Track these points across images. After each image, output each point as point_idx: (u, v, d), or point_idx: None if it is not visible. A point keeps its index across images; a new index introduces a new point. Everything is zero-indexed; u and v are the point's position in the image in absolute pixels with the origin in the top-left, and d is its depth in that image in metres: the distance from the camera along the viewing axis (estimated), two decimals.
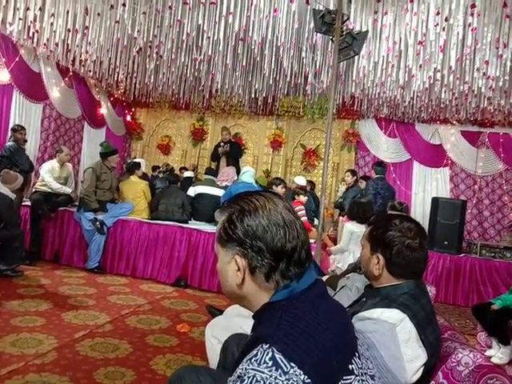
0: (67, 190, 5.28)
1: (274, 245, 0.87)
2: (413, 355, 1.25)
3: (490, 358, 3.17)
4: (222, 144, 7.27)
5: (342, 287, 2.18)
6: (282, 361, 0.73)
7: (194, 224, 5.10)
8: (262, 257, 0.87)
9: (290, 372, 0.72)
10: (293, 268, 0.88)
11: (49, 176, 5.15)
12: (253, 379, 0.72)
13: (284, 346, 0.75)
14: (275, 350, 0.74)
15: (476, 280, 5.29)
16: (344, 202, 5.91)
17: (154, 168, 7.94)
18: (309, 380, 0.73)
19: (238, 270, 0.89)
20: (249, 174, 5.43)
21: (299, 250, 0.89)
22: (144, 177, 6.24)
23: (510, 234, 5.95)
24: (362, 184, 5.95)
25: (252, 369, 0.73)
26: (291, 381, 0.72)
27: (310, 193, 6.71)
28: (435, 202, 5.83)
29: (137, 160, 5.98)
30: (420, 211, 7.20)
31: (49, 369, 2.36)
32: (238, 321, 1.99)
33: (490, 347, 3.33)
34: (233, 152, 7.19)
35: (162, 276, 4.75)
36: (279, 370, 0.72)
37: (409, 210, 5.37)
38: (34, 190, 5.30)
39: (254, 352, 0.76)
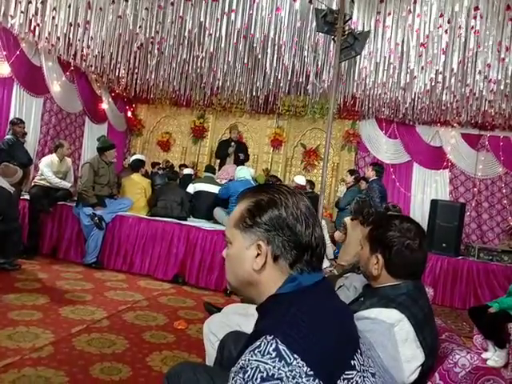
0: (66, 184, 5.26)
1: (302, 237, 0.89)
2: (410, 355, 1.25)
3: (486, 360, 3.18)
4: (232, 144, 7.27)
5: (340, 287, 2.19)
6: (285, 352, 0.73)
7: (192, 221, 5.10)
8: (291, 247, 0.89)
9: (293, 363, 0.73)
10: (315, 260, 0.91)
11: (48, 170, 5.13)
12: (256, 370, 0.72)
13: (288, 337, 0.76)
14: (279, 342, 0.74)
15: (473, 283, 5.30)
16: (340, 203, 5.94)
17: (154, 164, 7.93)
18: (311, 372, 0.73)
19: (257, 255, 0.90)
20: (245, 171, 5.41)
21: (321, 245, 0.92)
22: (145, 174, 6.23)
23: (509, 237, 5.96)
24: (363, 184, 5.93)
25: (255, 360, 0.73)
26: (294, 372, 0.72)
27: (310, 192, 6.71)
28: (434, 204, 5.83)
29: (142, 157, 5.95)
30: (419, 213, 7.21)
31: (45, 363, 2.35)
32: (236, 319, 1.99)
33: (486, 350, 3.34)
34: (244, 153, 7.26)
35: (160, 273, 4.74)
36: (282, 361, 0.72)
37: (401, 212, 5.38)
38: (33, 183, 5.28)
39: (258, 343, 0.76)
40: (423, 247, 1.39)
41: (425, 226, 5.65)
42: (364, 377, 0.84)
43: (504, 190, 7.09)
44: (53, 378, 2.21)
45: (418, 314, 1.30)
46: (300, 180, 6.51)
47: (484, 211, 7.17)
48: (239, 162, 6.91)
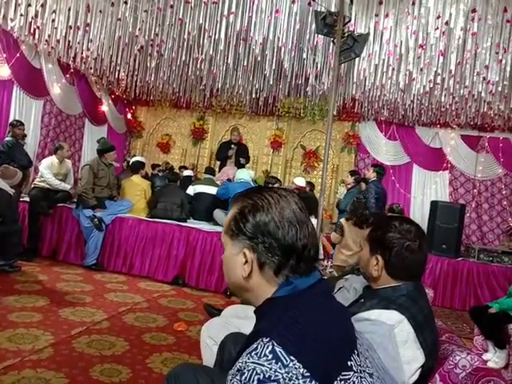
0: (66, 186, 5.27)
1: (285, 242, 0.88)
2: (410, 357, 1.25)
3: (487, 362, 3.17)
4: (232, 146, 7.26)
5: (340, 288, 2.19)
6: (281, 354, 0.74)
7: (192, 223, 5.10)
8: (273, 253, 0.88)
9: (290, 365, 0.73)
10: (303, 264, 0.90)
11: (48, 172, 5.13)
12: (253, 372, 0.72)
13: (284, 339, 0.76)
14: (275, 344, 0.75)
15: (473, 284, 5.30)
16: (340, 204, 5.94)
17: (154, 166, 7.93)
18: (308, 373, 0.74)
19: (245, 263, 0.90)
20: (245, 173, 5.42)
21: (309, 248, 0.90)
22: (145, 176, 6.22)
23: (508, 238, 5.95)
24: (363, 186, 5.93)
25: (252, 362, 0.74)
26: (291, 374, 0.73)
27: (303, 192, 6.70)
28: (434, 205, 5.84)
29: (141, 159, 5.95)
30: (419, 214, 7.21)
31: (45, 365, 2.35)
32: (235, 322, 1.99)
33: (486, 351, 3.33)
34: (245, 155, 7.23)
35: (160, 274, 4.74)
36: (279, 363, 0.73)
37: (403, 212, 5.36)
38: (32, 185, 5.28)
39: (254, 345, 0.76)
40: (423, 248, 1.39)
41: (425, 227, 5.64)
42: (361, 377, 0.84)
43: (504, 192, 7.09)
44: (53, 379, 2.21)
45: (418, 315, 1.30)
46: (300, 182, 6.51)
47: (484, 212, 7.17)
48: (240, 165, 6.90)
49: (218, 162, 7.60)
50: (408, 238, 1.36)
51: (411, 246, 1.36)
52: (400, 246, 1.36)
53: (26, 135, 5.38)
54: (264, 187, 0.98)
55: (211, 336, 1.96)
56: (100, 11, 4.87)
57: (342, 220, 4.31)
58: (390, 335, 1.24)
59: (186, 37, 5.02)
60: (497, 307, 3.32)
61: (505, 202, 7.07)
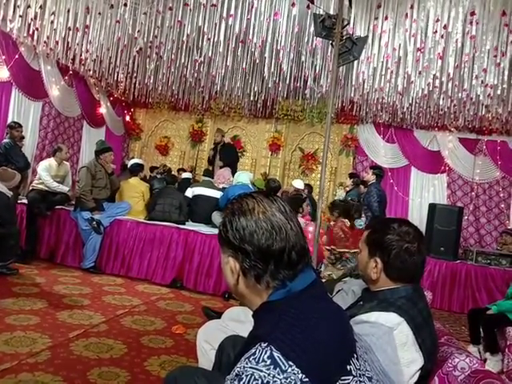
0: (64, 188, 5.24)
1: (259, 248, 0.88)
2: (409, 359, 1.24)
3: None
4: (212, 147, 7.25)
5: (339, 291, 2.18)
6: (280, 359, 0.74)
7: (191, 225, 5.09)
8: (250, 260, 0.88)
9: (288, 370, 0.73)
10: (283, 270, 0.88)
11: (46, 174, 5.11)
12: (251, 377, 0.72)
13: (282, 344, 0.76)
14: (274, 349, 0.75)
15: (471, 287, 5.31)
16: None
17: (152, 169, 7.92)
18: (307, 379, 0.73)
19: (232, 271, 0.92)
20: (244, 176, 5.41)
21: (288, 252, 0.88)
22: (144, 178, 6.21)
23: (509, 236, 5.91)
24: (361, 188, 5.93)
25: (250, 367, 0.73)
26: (289, 379, 0.72)
27: (308, 196, 6.71)
28: (432, 208, 5.84)
29: (140, 162, 5.93)
30: (417, 217, 7.22)
31: (42, 368, 2.34)
32: (232, 326, 1.98)
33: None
34: (224, 156, 7.02)
35: (158, 277, 4.73)
36: (277, 369, 0.73)
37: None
38: (30, 188, 5.26)
39: (253, 350, 0.76)
40: (422, 251, 1.39)
41: (423, 229, 5.55)
42: (360, 381, 0.84)
43: (501, 194, 7.11)
44: (50, 383, 2.20)
45: (417, 317, 1.30)
46: (298, 184, 6.51)
47: (482, 215, 7.19)
48: (225, 165, 6.73)
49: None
50: (407, 240, 1.36)
51: (410, 248, 1.35)
52: (399, 248, 1.35)
53: (23, 137, 5.37)
54: (245, 194, 0.97)
55: (207, 340, 1.96)
56: (99, 13, 4.88)
57: (333, 222, 4.34)
58: (388, 337, 1.23)
59: (184, 39, 5.03)
60: (494, 309, 3.33)
61: (502, 205, 7.09)
